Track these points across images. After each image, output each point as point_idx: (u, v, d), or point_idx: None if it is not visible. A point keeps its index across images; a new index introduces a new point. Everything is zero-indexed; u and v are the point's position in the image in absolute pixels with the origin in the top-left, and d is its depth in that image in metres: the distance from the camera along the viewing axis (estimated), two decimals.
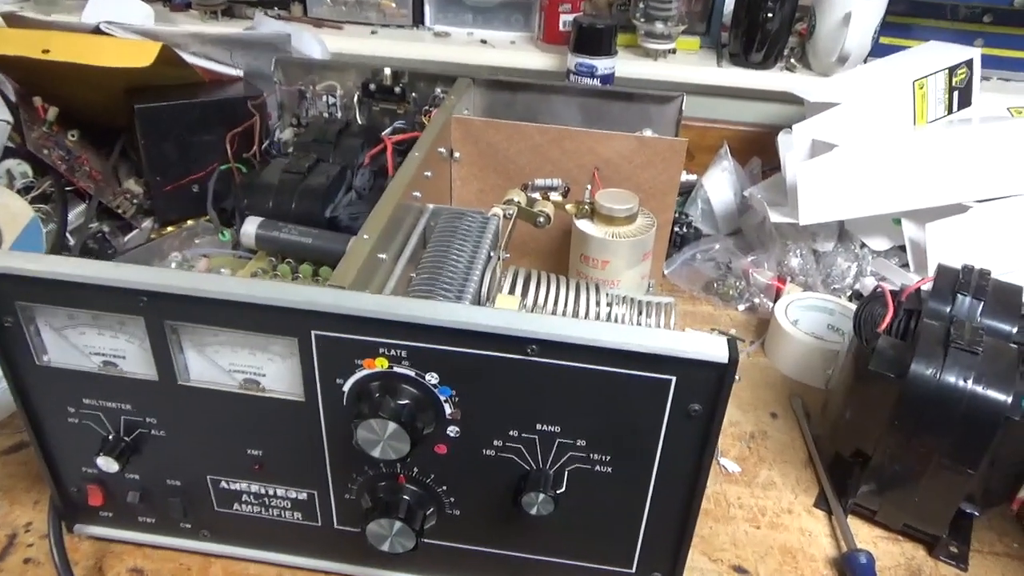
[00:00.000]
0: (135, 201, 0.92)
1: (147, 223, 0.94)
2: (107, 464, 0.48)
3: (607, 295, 0.54)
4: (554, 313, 0.54)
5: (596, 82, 1.01)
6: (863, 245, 0.89)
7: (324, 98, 0.81)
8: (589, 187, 0.68)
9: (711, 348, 0.40)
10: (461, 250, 0.55)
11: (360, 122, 0.81)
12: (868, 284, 0.82)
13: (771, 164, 1.06)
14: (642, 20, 1.07)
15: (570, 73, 1.02)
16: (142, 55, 0.82)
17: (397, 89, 0.79)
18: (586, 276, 0.68)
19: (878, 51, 1.06)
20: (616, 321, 0.53)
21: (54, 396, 0.48)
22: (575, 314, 0.54)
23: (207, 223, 0.88)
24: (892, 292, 0.62)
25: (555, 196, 0.66)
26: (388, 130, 0.80)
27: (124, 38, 0.89)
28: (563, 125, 0.77)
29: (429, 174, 0.63)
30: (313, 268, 0.60)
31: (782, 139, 0.92)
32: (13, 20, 0.92)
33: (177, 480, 0.51)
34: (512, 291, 0.54)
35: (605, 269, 0.66)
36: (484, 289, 0.53)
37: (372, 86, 0.80)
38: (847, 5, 0.99)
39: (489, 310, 0.42)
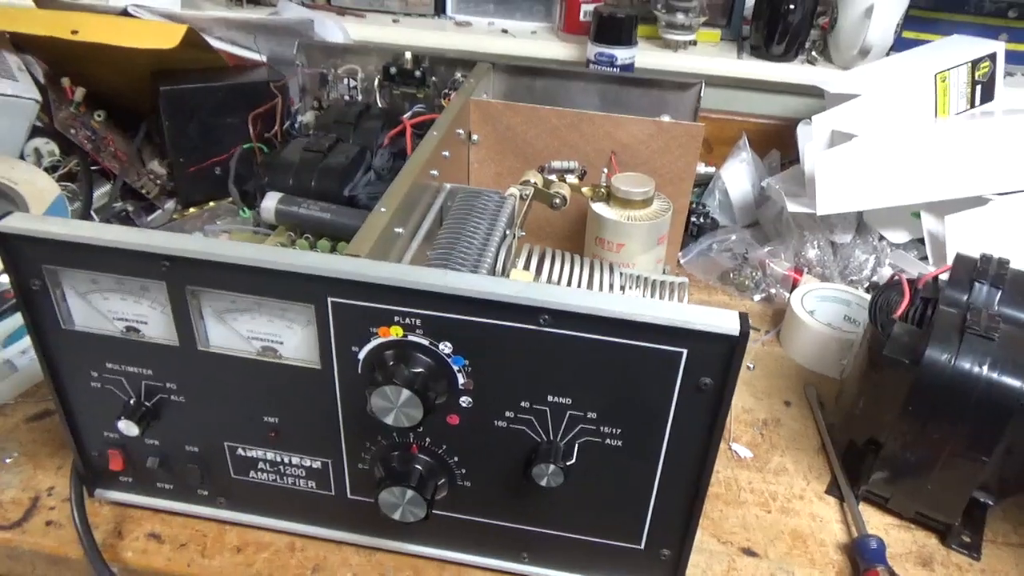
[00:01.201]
0: (158, 182, 0.93)
1: (170, 204, 0.95)
2: (128, 428, 0.49)
3: (620, 274, 0.55)
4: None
5: (616, 71, 1.02)
6: (881, 237, 0.89)
7: (345, 81, 0.82)
8: (606, 171, 0.68)
9: (722, 321, 0.40)
10: (477, 227, 0.56)
11: (380, 105, 0.82)
12: (886, 276, 0.81)
13: (790, 157, 1.06)
14: (663, 11, 1.07)
15: (590, 63, 1.03)
16: (168, 36, 0.83)
17: (417, 73, 0.80)
18: (601, 259, 0.68)
19: (900, 45, 1.05)
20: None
21: (78, 360, 0.49)
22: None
23: (229, 204, 0.89)
24: (909, 280, 0.62)
25: (572, 178, 0.67)
26: (408, 113, 0.81)
27: (151, 20, 0.90)
28: (582, 107, 0.77)
29: (447, 154, 0.64)
30: (331, 243, 0.61)
31: (801, 130, 0.91)
32: (43, 1, 0.94)
33: (195, 447, 0.52)
34: (527, 267, 0.54)
35: (620, 252, 0.67)
36: (499, 264, 0.54)
37: (393, 70, 0.80)
38: None
39: (503, 280, 0.42)
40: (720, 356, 0.41)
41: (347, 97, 0.82)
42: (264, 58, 0.97)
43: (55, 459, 0.60)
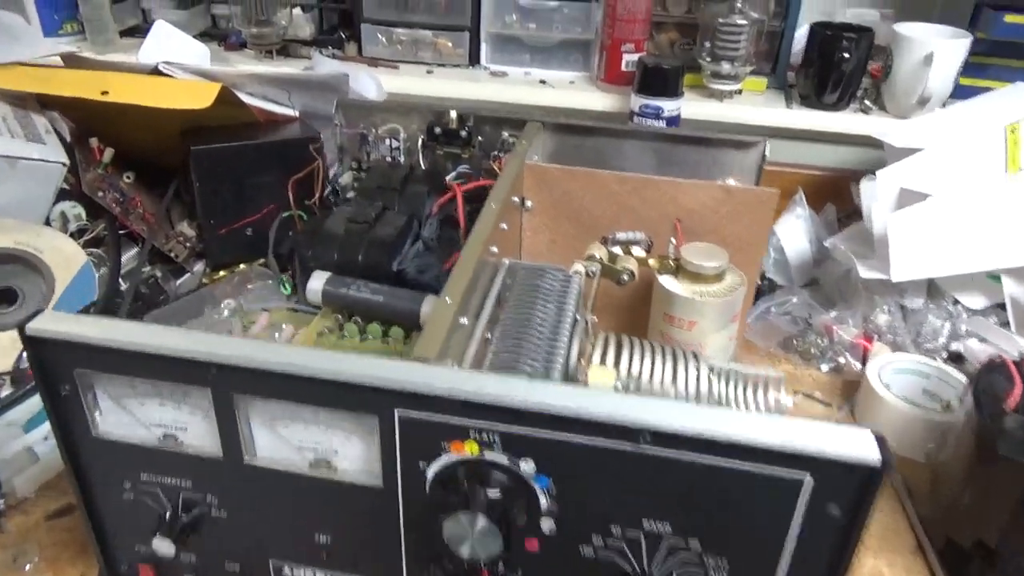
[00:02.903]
0: (188, 244, 0.89)
1: (199, 266, 0.91)
2: (163, 546, 0.44)
3: (708, 367, 0.49)
4: (651, 387, 0.49)
5: (662, 124, 0.97)
6: (956, 302, 0.83)
7: (387, 141, 0.78)
8: (673, 241, 0.64)
9: (856, 447, 0.35)
10: (545, 313, 0.51)
11: (423, 167, 0.78)
12: (972, 348, 0.76)
13: (846, 210, 1.01)
14: (708, 60, 1.03)
15: (634, 114, 0.98)
16: (202, 96, 0.80)
17: (463, 133, 0.76)
18: (670, 338, 0.63)
19: (959, 92, 1.01)
20: (720, 397, 0.48)
21: (110, 470, 0.44)
22: (675, 388, 0.49)
23: (260, 267, 0.85)
24: (1015, 363, 0.56)
25: (638, 251, 0.62)
26: (452, 175, 0.77)
27: (183, 79, 0.87)
28: (636, 171, 0.73)
29: (505, 226, 0.59)
30: (383, 328, 0.56)
31: (865, 186, 0.86)
32: (71, 60, 0.91)
33: (236, 564, 0.46)
34: (604, 360, 0.49)
35: (692, 330, 0.61)
36: (572, 357, 0.48)
37: (437, 129, 0.76)
38: (929, 45, 0.94)
39: (595, 393, 0.37)
40: (852, 485, 0.35)
41: (388, 158, 0.78)
42: (297, 113, 0.93)
43: (77, 565, 0.54)
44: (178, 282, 0.89)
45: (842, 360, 0.82)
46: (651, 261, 0.62)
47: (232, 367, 0.38)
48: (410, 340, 0.55)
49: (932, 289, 0.85)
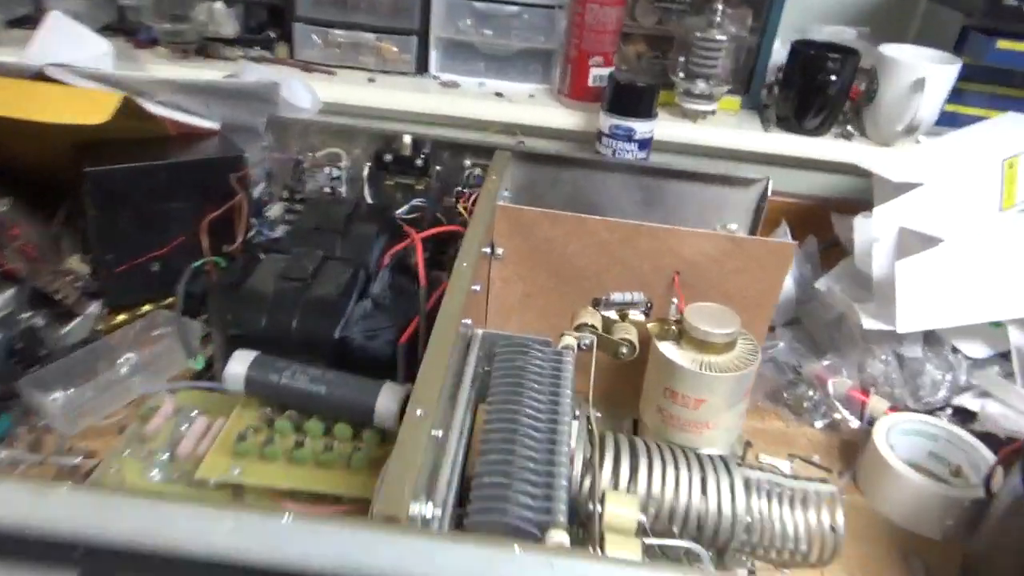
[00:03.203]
0: (78, 284, 0.74)
1: (93, 307, 0.76)
2: None
3: (743, 479, 0.39)
4: (678, 508, 0.38)
5: (634, 146, 0.88)
6: (955, 350, 0.76)
7: (326, 170, 0.66)
8: (675, 301, 0.54)
9: None
10: (535, 408, 0.40)
11: (369, 200, 0.66)
12: (988, 411, 0.69)
13: (826, 242, 0.93)
14: (682, 77, 0.94)
15: (602, 135, 0.89)
16: (98, 109, 0.66)
17: (418, 161, 0.64)
18: (670, 416, 0.53)
19: (942, 120, 0.95)
20: (761, 519, 0.38)
21: None
22: (706, 507, 0.38)
23: (166, 311, 0.71)
24: None
25: (636, 314, 0.52)
26: (403, 209, 0.65)
27: (76, 85, 0.72)
28: (619, 208, 0.63)
29: (477, 288, 0.48)
30: (325, 425, 0.44)
31: (859, 224, 0.79)
32: None
33: None
34: (616, 474, 0.39)
35: (699, 409, 0.52)
36: (577, 475, 0.38)
37: (387, 156, 0.64)
38: (919, 70, 0.88)
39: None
40: None
41: (328, 190, 0.66)
42: (217, 125, 0.79)
43: None
44: (64, 330, 0.74)
45: (837, 416, 0.74)
46: (650, 325, 0.52)
47: (103, 550, 0.26)
48: (361, 443, 0.43)
49: (930, 336, 0.78)
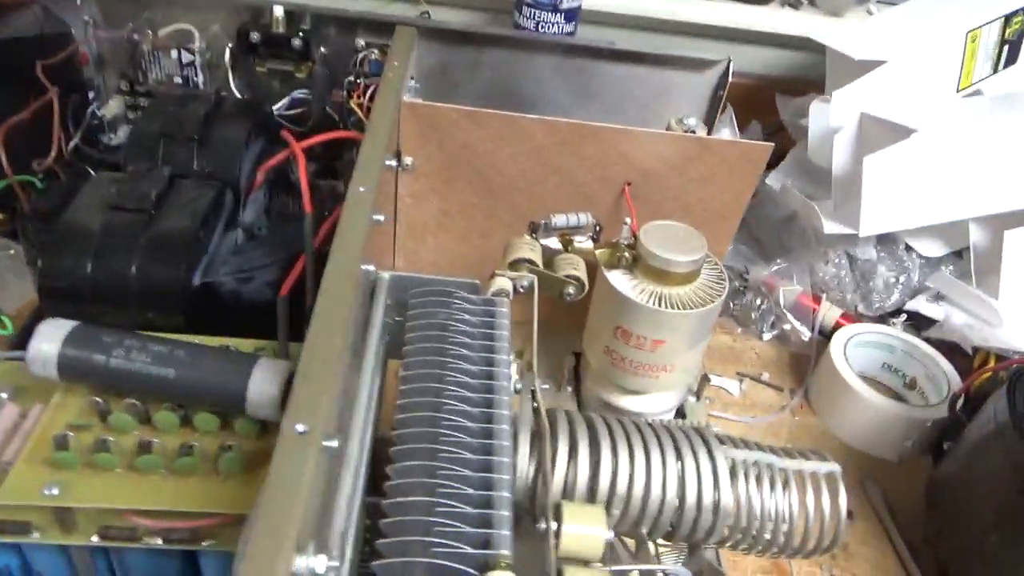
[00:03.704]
0: None
1: None
2: None
3: (728, 462, 0.31)
4: (649, 507, 0.30)
5: (560, 17, 0.75)
6: (908, 248, 0.70)
7: (173, 53, 0.50)
8: (628, 221, 0.44)
9: None
10: (465, 386, 0.30)
11: (235, 93, 0.51)
12: (952, 320, 0.63)
13: (770, 126, 0.85)
14: None
15: (522, 4, 0.75)
16: None
17: (296, 41, 0.50)
18: (620, 359, 0.44)
19: None
20: (753, 511, 0.31)
21: None
22: (687, 508, 0.30)
23: None
24: None
25: (582, 241, 0.42)
26: (282, 104, 0.51)
27: None
28: (551, 99, 0.52)
29: (381, 218, 0.36)
30: (181, 415, 0.31)
31: (815, 110, 0.69)
32: None
33: None
34: (572, 463, 0.30)
35: (656, 352, 0.43)
36: (522, 465, 0.29)
37: (254, 35, 0.49)
38: None
39: None
40: None
41: (178, 79, 0.51)
42: None
43: None
44: None
45: (787, 326, 0.68)
46: (598, 252, 0.42)
47: None
48: (232, 436, 0.31)
49: (883, 235, 0.72)
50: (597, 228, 0.42)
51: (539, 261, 0.39)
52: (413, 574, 0.26)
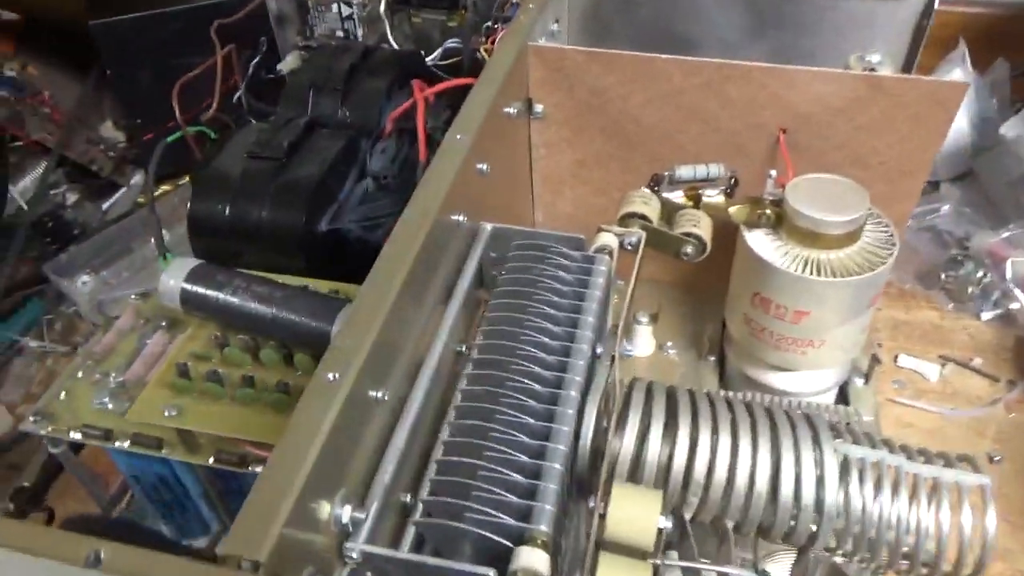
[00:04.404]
0: (111, 154, 0.68)
1: (137, 178, 0.71)
2: None
3: (840, 457, 0.26)
4: (731, 503, 0.26)
5: None
6: None
7: (334, 7, 0.52)
8: (773, 174, 0.38)
9: None
10: (541, 347, 0.29)
11: (392, 44, 0.52)
12: None
13: (1021, 67, 0.70)
14: None
15: None
16: None
17: None
18: (760, 330, 0.39)
19: None
20: (868, 519, 0.26)
21: None
22: (780, 507, 0.26)
23: None
24: None
25: (714, 196, 0.37)
26: (436, 54, 0.51)
27: None
28: (720, 42, 0.47)
29: (484, 167, 0.35)
30: (283, 354, 0.34)
31: None
32: None
33: None
34: (643, 445, 0.27)
35: (800, 324, 0.38)
36: (587, 431, 0.26)
37: None
38: None
39: None
40: None
41: (340, 33, 0.53)
42: None
43: None
44: (106, 204, 0.69)
45: (1014, 306, 0.57)
46: (733, 209, 0.37)
47: None
48: None
49: None
50: (732, 181, 0.37)
51: (654, 217, 0.35)
52: (449, 536, 0.25)
